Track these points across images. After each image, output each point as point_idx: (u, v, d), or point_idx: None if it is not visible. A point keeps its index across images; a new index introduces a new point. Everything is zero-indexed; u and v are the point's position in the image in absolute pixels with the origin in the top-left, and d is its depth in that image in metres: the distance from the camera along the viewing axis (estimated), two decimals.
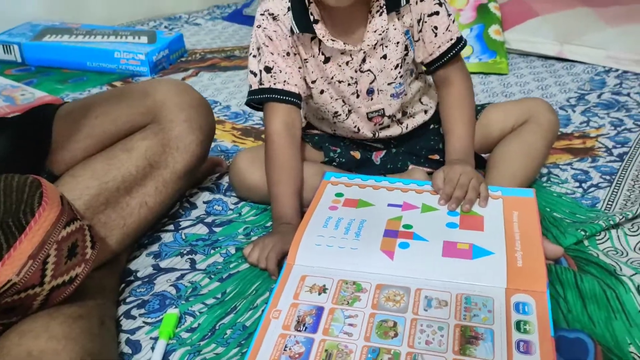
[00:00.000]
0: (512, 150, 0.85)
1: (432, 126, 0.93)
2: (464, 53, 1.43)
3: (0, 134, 0.76)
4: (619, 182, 0.92)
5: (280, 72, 0.81)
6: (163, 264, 0.77)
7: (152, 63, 1.54)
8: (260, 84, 0.82)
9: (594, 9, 1.51)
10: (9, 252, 0.54)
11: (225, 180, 0.97)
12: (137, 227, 0.76)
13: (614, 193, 0.88)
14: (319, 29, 0.78)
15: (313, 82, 0.83)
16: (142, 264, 0.77)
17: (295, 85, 0.82)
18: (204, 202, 0.91)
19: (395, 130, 0.89)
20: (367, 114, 0.85)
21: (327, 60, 0.81)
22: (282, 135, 0.81)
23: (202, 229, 0.84)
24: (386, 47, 0.81)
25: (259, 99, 0.83)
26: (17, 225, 0.56)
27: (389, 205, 0.75)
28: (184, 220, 0.86)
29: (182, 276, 0.74)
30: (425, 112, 0.92)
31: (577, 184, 0.92)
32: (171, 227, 0.85)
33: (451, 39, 0.82)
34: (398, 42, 0.81)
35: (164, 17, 2.09)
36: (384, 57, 0.81)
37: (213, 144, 1.07)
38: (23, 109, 1.19)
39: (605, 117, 1.14)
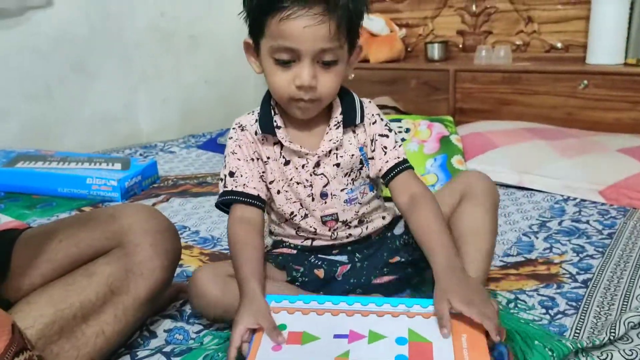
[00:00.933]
0: (473, 226, 0.90)
1: (389, 233, 0.96)
2: (429, 182, 1.50)
3: None
4: (585, 309, 0.92)
5: (242, 176, 0.88)
6: None
7: (124, 189, 1.55)
8: (224, 187, 0.89)
9: (549, 141, 1.61)
10: None
11: (189, 307, 0.94)
12: (90, 359, 0.72)
13: (581, 320, 0.88)
14: (280, 133, 0.87)
15: (271, 182, 0.90)
16: None
17: (254, 188, 0.88)
18: (165, 331, 0.88)
19: (355, 231, 0.93)
20: (322, 217, 0.90)
21: (287, 162, 0.89)
22: (241, 224, 0.86)
23: None
24: (341, 156, 0.89)
25: (222, 200, 0.89)
26: None
27: (335, 336, 0.72)
28: (141, 350, 0.82)
29: None
30: (383, 217, 0.96)
31: (544, 311, 0.92)
32: (127, 358, 0.80)
33: (398, 157, 0.90)
34: (352, 155, 0.89)
35: (141, 146, 2.15)
36: (337, 165, 0.89)
37: (179, 269, 1.06)
38: None
39: (567, 244, 1.16)
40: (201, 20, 2.39)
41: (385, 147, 0.90)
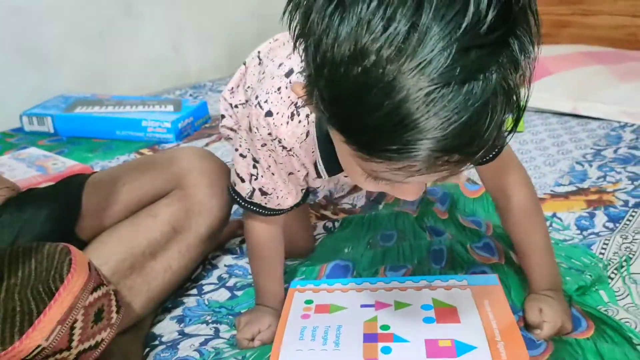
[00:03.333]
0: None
1: None
2: None
3: (32, 203, 0.81)
4: (621, 230, 0.92)
5: (277, 197, 0.70)
6: (188, 330, 0.78)
7: (178, 130, 1.60)
8: (250, 198, 0.71)
9: (607, 66, 1.54)
10: (39, 317, 0.57)
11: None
12: (161, 291, 0.78)
13: (607, 242, 0.87)
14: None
15: (317, 187, 0.78)
16: (167, 329, 0.79)
17: (291, 202, 0.72)
18: (226, 266, 0.93)
19: None
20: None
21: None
22: (264, 230, 0.75)
23: (223, 294, 0.86)
24: None
25: (246, 207, 0.72)
26: (47, 292, 0.59)
27: (362, 306, 0.74)
28: (206, 284, 0.88)
29: (205, 342, 0.75)
30: None
31: (579, 232, 0.93)
32: (194, 291, 0.87)
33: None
34: None
35: (190, 86, 2.19)
36: None
37: (235, 207, 1.11)
38: (54, 178, 1.26)
39: (622, 172, 1.14)
40: None
41: None
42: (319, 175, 0.68)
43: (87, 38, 1.97)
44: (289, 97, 0.62)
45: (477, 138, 0.42)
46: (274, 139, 0.63)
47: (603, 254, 0.85)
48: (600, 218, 0.96)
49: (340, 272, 0.89)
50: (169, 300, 0.84)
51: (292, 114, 0.62)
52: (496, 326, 0.68)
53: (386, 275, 0.86)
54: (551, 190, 1.10)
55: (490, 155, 0.66)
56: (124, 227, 0.79)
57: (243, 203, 0.71)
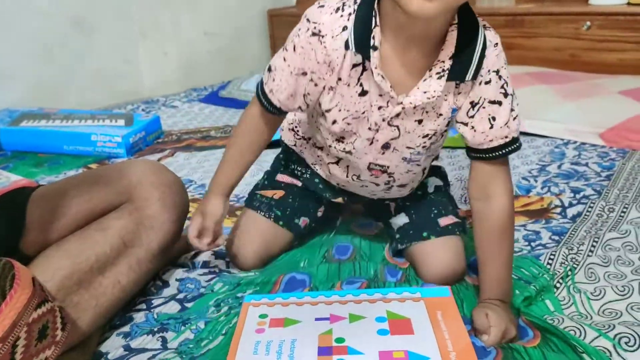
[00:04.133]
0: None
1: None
2: None
3: None
4: (566, 242, 0.96)
5: (274, 80, 0.77)
6: (134, 344, 0.76)
7: (129, 145, 1.57)
8: (263, 78, 0.81)
9: (551, 85, 1.61)
10: None
11: (199, 259, 0.97)
12: (109, 307, 0.76)
13: (553, 254, 0.90)
14: (374, 58, 0.69)
15: (328, 110, 0.76)
16: (113, 345, 0.76)
17: (279, 101, 0.78)
18: (177, 280, 0.91)
19: (375, 189, 0.88)
20: (370, 164, 0.81)
21: (363, 93, 0.73)
22: (251, 124, 0.85)
23: (173, 307, 0.84)
24: (427, 112, 0.74)
25: (257, 86, 0.82)
26: None
27: (317, 319, 0.75)
28: (156, 299, 0.86)
29: (153, 357, 0.73)
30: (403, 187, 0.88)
31: (527, 244, 0.97)
32: (143, 306, 0.84)
33: (506, 137, 0.73)
34: (441, 115, 0.74)
35: (142, 101, 2.15)
36: (419, 121, 0.75)
37: (187, 222, 1.09)
38: None
39: (565, 186, 1.19)
40: None
41: (494, 119, 0.72)
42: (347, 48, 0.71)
43: (35, 53, 1.92)
44: (337, 11, 0.71)
45: None
46: (310, 26, 0.72)
47: (550, 264, 0.88)
48: (545, 233, 0.99)
49: (296, 285, 0.88)
50: (117, 316, 0.81)
51: (338, 9, 0.71)
52: (448, 337, 0.70)
53: (342, 288, 0.86)
54: None
55: (493, 154, 0.73)
56: (72, 241, 0.76)
57: (260, 93, 0.81)
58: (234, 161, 0.87)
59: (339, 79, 0.73)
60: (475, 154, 0.75)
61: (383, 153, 0.80)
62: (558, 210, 1.08)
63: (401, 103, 0.72)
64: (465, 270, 0.88)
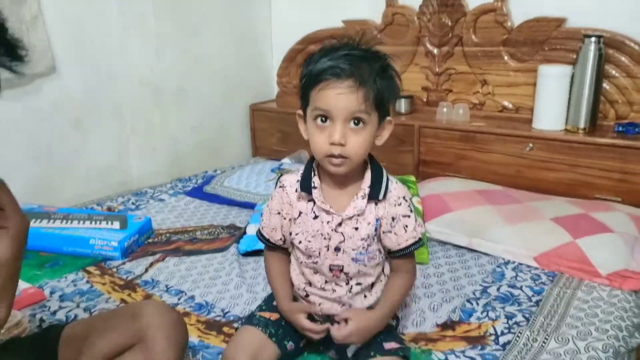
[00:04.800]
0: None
1: None
2: None
3: (15, 356, 0.95)
4: None
5: (263, 220, 1.21)
6: None
7: (124, 249, 1.75)
8: (260, 231, 1.23)
9: (495, 206, 1.86)
10: None
11: None
12: None
13: None
14: (315, 193, 1.11)
15: (296, 234, 1.14)
16: None
17: (267, 233, 1.21)
18: None
19: (340, 291, 1.15)
20: (330, 265, 1.13)
21: (315, 217, 1.12)
22: (268, 256, 1.26)
23: None
24: (360, 222, 1.11)
25: (259, 237, 1.24)
26: None
27: None
28: None
29: None
30: (365, 297, 1.18)
31: None
32: None
33: (414, 237, 1.14)
34: (369, 223, 1.11)
35: (131, 193, 2.34)
36: (356, 228, 1.11)
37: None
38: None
39: (501, 311, 1.41)
40: (187, 74, 2.59)
41: (407, 226, 1.12)
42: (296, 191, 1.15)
43: (35, 152, 2.10)
44: (293, 173, 1.18)
45: (361, 71, 0.99)
46: (279, 183, 1.18)
47: None
48: None
49: None
50: None
51: (293, 173, 1.17)
52: None
53: None
54: (444, 322, 1.36)
55: (406, 252, 1.14)
56: None
57: (258, 234, 1.23)
58: (282, 283, 1.22)
59: (300, 212, 1.14)
60: (394, 255, 1.16)
61: (337, 255, 1.12)
62: (492, 337, 1.30)
63: (340, 215, 1.10)
64: None
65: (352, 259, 1.12)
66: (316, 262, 1.14)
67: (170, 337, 1.02)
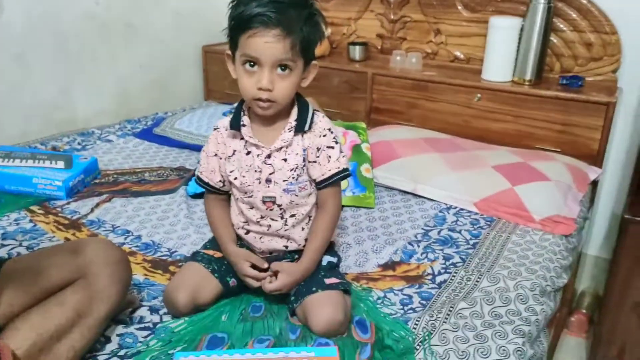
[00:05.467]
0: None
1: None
2: (342, 186, 1.77)
3: None
4: (430, 307, 1.24)
5: (201, 165, 1.25)
6: None
7: (69, 188, 1.72)
8: (198, 171, 1.26)
9: (441, 154, 1.91)
10: None
11: (136, 314, 1.17)
12: None
13: (418, 319, 1.18)
14: (244, 130, 1.17)
15: (231, 171, 1.19)
16: None
17: (206, 177, 1.24)
18: (117, 335, 1.11)
19: (276, 225, 1.20)
20: (263, 197, 1.18)
21: (247, 153, 1.17)
22: (210, 201, 1.28)
23: None
24: (288, 154, 1.16)
25: (198, 183, 1.27)
26: None
27: None
28: (100, 355, 1.05)
29: None
30: (302, 229, 1.23)
31: (401, 307, 1.24)
32: None
33: (339, 167, 1.19)
34: (297, 153, 1.17)
35: (77, 133, 2.28)
36: (285, 160, 1.16)
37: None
38: None
39: (439, 253, 1.48)
40: (136, 9, 2.49)
41: (330, 157, 1.18)
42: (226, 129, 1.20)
43: None
44: (226, 116, 1.23)
45: (289, 20, 1.03)
46: (214, 128, 1.23)
47: (415, 328, 1.16)
48: (416, 298, 1.28)
49: (217, 342, 1.11)
50: None
51: (227, 119, 1.21)
52: None
53: (254, 346, 1.09)
54: (385, 262, 1.42)
55: (331, 181, 1.19)
56: (35, 315, 0.95)
57: (197, 180, 1.26)
58: (224, 228, 1.25)
59: (235, 151, 1.19)
60: (320, 184, 1.20)
61: (268, 187, 1.18)
62: (430, 277, 1.37)
63: (269, 148, 1.16)
64: (346, 321, 1.14)
65: (284, 189, 1.17)
66: (251, 196, 1.19)
67: (113, 273, 1.03)
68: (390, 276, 1.37)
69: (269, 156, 1.16)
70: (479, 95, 2.16)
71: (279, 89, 1.08)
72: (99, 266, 1.02)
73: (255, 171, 1.17)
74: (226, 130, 1.20)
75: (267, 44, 1.03)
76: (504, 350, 1.11)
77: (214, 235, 1.31)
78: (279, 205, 1.19)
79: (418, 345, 1.11)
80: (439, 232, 1.60)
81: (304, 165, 1.18)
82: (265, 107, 1.10)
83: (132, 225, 1.58)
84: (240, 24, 1.05)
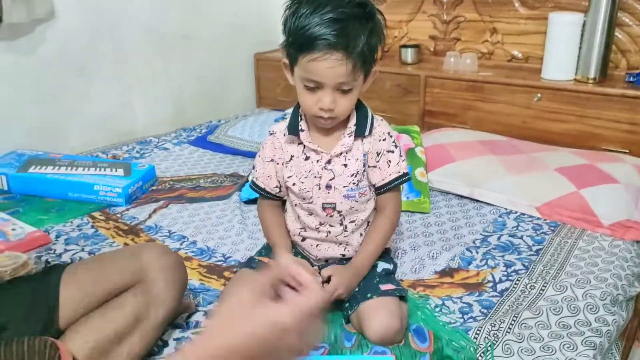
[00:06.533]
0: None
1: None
2: None
3: (17, 295, 0.97)
4: (492, 316, 1.18)
5: (256, 171, 1.22)
6: None
7: (128, 195, 1.76)
8: (253, 177, 1.24)
9: (499, 157, 1.84)
10: None
11: (192, 319, 1.18)
12: None
13: (480, 328, 1.13)
14: (303, 135, 1.14)
15: (289, 177, 1.17)
16: None
17: (262, 183, 1.21)
18: (174, 339, 1.12)
19: (335, 231, 1.19)
20: (322, 204, 1.16)
21: (306, 158, 1.16)
22: (267, 209, 1.25)
23: None
24: (348, 159, 1.14)
25: (252, 187, 1.26)
26: None
27: None
28: (159, 358, 1.06)
29: None
30: (361, 235, 1.21)
31: (461, 315, 1.19)
32: None
33: (399, 172, 1.17)
34: (357, 159, 1.15)
35: (136, 141, 2.34)
36: (345, 165, 1.15)
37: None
38: (16, 245, 1.40)
39: (500, 259, 1.42)
40: (193, 22, 2.55)
41: (390, 161, 1.16)
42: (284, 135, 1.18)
43: (40, 98, 2.10)
44: (282, 120, 1.22)
45: (350, 41, 0.98)
46: (269, 132, 1.20)
47: (476, 338, 1.11)
48: (476, 306, 1.22)
49: None
50: None
51: (282, 124, 1.19)
52: None
53: (309, 354, 1.07)
54: (442, 269, 1.37)
55: (391, 186, 1.17)
56: (95, 318, 0.97)
57: (252, 185, 1.24)
58: (279, 235, 1.22)
59: (292, 156, 1.17)
60: (379, 189, 1.18)
61: (328, 193, 1.16)
62: (490, 284, 1.31)
63: (329, 154, 1.14)
64: (403, 329, 1.10)
65: (344, 195, 1.16)
66: (310, 202, 1.17)
67: (169, 278, 1.04)
68: (448, 283, 1.33)
69: (329, 162, 1.15)
70: (539, 95, 2.08)
71: (341, 106, 1.07)
72: (155, 271, 1.03)
73: (315, 177, 1.15)
74: (284, 135, 1.18)
75: (329, 69, 1.00)
76: None
77: (265, 243, 1.30)
78: (339, 212, 1.17)
79: (480, 356, 1.07)
80: (498, 238, 1.54)
81: (364, 171, 1.16)
82: (327, 123, 1.10)
83: (188, 230, 1.59)
84: (300, 44, 1.01)
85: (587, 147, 1.98)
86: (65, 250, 1.47)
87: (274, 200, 1.25)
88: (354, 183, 1.15)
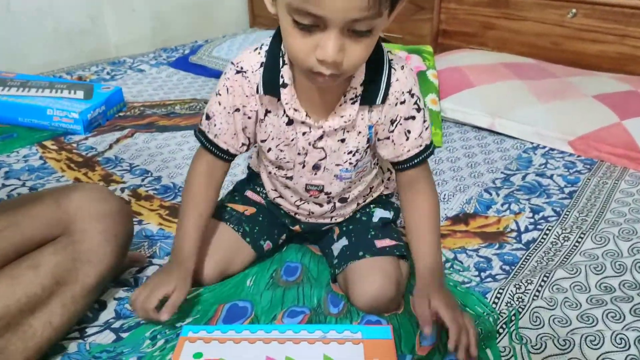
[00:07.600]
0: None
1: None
2: None
3: None
4: (515, 276, 0.95)
5: (215, 125, 0.83)
6: None
7: (87, 121, 1.51)
8: (200, 125, 0.86)
9: (526, 82, 1.56)
10: None
11: (145, 274, 0.95)
12: (39, 350, 0.73)
13: (501, 289, 0.90)
14: (285, 94, 0.77)
15: (263, 140, 0.84)
16: None
17: (225, 142, 0.84)
18: (115, 299, 0.89)
19: (320, 210, 0.92)
20: (306, 184, 0.88)
21: (289, 122, 0.80)
22: (202, 175, 0.86)
23: (108, 337, 0.82)
24: (347, 132, 0.81)
25: (198, 137, 0.87)
26: None
27: None
28: (90, 327, 0.84)
29: None
30: (358, 204, 0.95)
31: (477, 273, 0.96)
32: (76, 334, 0.82)
33: (421, 145, 0.82)
34: (360, 132, 0.81)
35: (108, 61, 2.05)
36: (342, 140, 0.82)
37: (138, 227, 1.06)
38: None
39: (525, 203, 1.17)
40: None
41: (409, 132, 0.81)
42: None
43: None
44: (255, 50, 0.79)
45: None
46: (233, 65, 0.79)
47: (496, 303, 0.88)
48: (496, 262, 0.99)
49: (237, 312, 0.87)
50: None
51: (255, 48, 0.79)
52: None
53: (283, 321, 0.85)
54: (454, 214, 1.13)
55: (413, 163, 0.83)
56: (2, 281, 0.73)
57: (199, 137, 0.86)
58: (197, 226, 0.86)
59: (268, 111, 0.81)
60: (398, 166, 0.85)
61: (315, 174, 0.86)
62: (513, 234, 1.07)
63: (322, 127, 0.79)
64: (398, 296, 0.86)
65: (335, 175, 0.86)
66: (290, 178, 0.88)
67: (106, 229, 0.80)
68: (462, 232, 1.09)
69: (320, 138, 0.81)
70: (573, 10, 1.77)
71: (351, 57, 0.65)
72: (86, 220, 0.78)
73: (299, 154, 0.83)
74: (252, 86, 0.80)
75: None
76: (621, 338, 0.81)
77: (240, 181, 1.05)
78: (327, 193, 0.89)
79: (502, 328, 0.84)
80: (523, 178, 1.28)
81: (368, 147, 0.84)
82: (326, 81, 0.68)
83: (153, 164, 1.34)
84: None
85: (629, 72, 1.70)
86: (3, 186, 1.23)
87: (225, 162, 0.88)
88: (350, 163, 0.84)
